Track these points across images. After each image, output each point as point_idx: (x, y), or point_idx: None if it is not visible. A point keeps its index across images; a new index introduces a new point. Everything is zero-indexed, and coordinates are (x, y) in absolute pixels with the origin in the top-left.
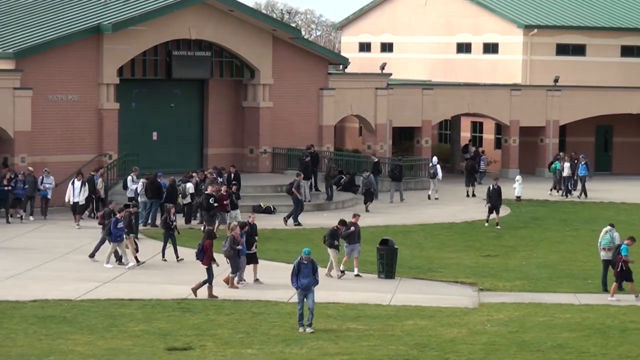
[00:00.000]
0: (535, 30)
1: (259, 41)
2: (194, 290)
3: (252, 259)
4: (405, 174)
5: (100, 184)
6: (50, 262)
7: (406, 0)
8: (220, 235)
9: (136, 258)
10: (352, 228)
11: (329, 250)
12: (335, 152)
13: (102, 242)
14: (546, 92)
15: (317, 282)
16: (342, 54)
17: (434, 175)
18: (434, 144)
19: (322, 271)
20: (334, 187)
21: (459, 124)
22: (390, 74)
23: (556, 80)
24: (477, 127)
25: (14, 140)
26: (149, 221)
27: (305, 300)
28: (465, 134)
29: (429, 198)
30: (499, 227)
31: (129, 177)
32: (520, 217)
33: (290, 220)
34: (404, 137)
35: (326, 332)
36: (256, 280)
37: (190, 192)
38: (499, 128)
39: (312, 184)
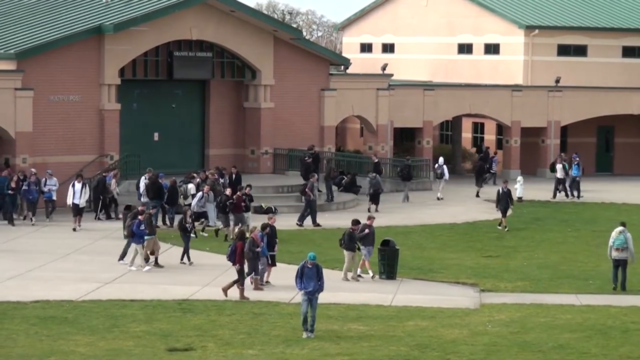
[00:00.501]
0: (537, 31)
1: (260, 42)
2: (225, 290)
3: (272, 261)
4: (413, 175)
5: (113, 184)
6: (52, 263)
7: (407, 0)
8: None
9: (156, 259)
10: (367, 230)
11: (345, 253)
12: (337, 152)
13: (129, 244)
14: (547, 92)
15: (321, 289)
16: (344, 54)
17: (441, 175)
18: (435, 144)
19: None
20: (335, 187)
21: (460, 124)
22: (392, 75)
23: (557, 81)
24: (478, 128)
25: (15, 141)
26: None
27: (309, 305)
28: (467, 135)
29: (438, 199)
30: (506, 229)
31: (142, 178)
32: (522, 218)
33: (309, 221)
34: (405, 137)
35: (327, 332)
36: (267, 282)
37: (192, 192)
38: (500, 129)
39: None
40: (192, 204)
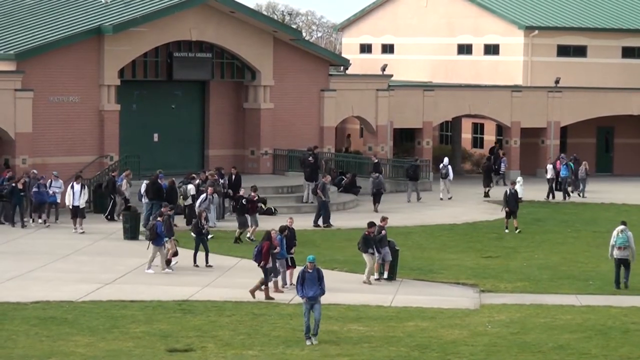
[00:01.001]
0: (536, 32)
1: (259, 42)
2: (252, 292)
3: (290, 263)
4: (421, 175)
5: (125, 185)
6: (52, 264)
7: (407, 1)
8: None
9: (168, 261)
10: (383, 232)
11: (365, 257)
12: (336, 153)
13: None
14: (547, 93)
15: (323, 292)
16: (343, 55)
17: (446, 175)
18: (434, 145)
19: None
20: (335, 188)
21: (460, 125)
22: (391, 75)
23: (557, 82)
24: (478, 129)
25: (15, 142)
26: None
27: (311, 311)
28: (467, 136)
29: (445, 199)
30: (517, 230)
31: (190, 186)
32: (521, 219)
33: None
34: (405, 138)
35: (327, 333)
36: (291, 284)
37: (192, 193)
38: (500, 129)
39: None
40: (196, 205)
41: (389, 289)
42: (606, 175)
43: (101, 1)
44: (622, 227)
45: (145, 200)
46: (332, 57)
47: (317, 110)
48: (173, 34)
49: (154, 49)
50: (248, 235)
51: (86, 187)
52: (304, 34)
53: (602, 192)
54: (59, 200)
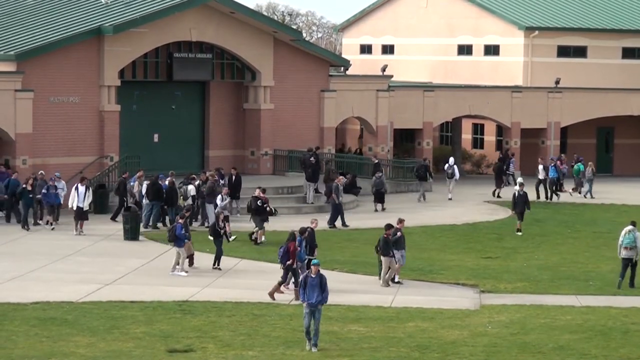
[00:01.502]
0: (536, 32)
1: (260, 43)
2: (271, 294)
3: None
4: (431, 175)
5: (137, 187)
6: (52, 264)
7: (407, 2)
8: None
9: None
10: (399, 233)
11: (383, 259)
12: (337, 154)
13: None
14: (547, 93)
15: (325, 300)
16: (343, 55)
17: (452, 175)
18: (435, 145)
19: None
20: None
21: (460, 125)
22: (391, 76)
23: (557, 82)
24: (478, 129)
25: (15, 142)
26: (150, 223)
27: (312, 316)
28: (467, 136)
29: (450, 198)
30: (520, 233)
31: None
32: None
33: (339, 223)
34: (405, 138)
35: (327, 334)
36: None
37: (192, 194)
38: (500, 130)
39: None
40: (217, 209)
41: (389, 289)
42: (606, 176)
43: (101, 2)
44: (630, 227)
45: (145, 201)
46: (332, 57)
47: (317, 110)
48: (173, 34)
49: (154, 49)
50: (254, 236)
51: (90, 189)
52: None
53: (602, 192)
54: (61, 201)
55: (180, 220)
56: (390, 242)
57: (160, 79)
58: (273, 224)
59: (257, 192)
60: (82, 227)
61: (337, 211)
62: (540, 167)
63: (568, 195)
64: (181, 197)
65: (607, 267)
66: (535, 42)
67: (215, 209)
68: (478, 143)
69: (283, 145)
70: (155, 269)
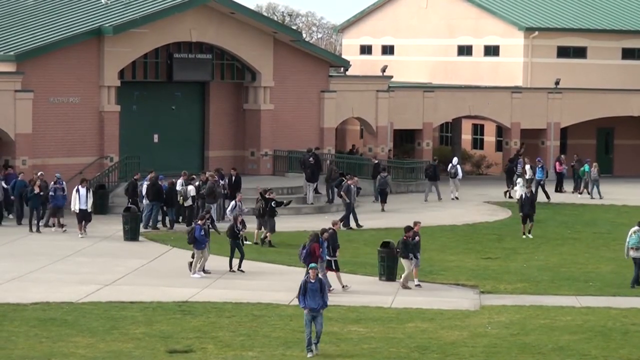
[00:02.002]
0: (536, 33)
1: (260, 43)
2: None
3: (336, 267)
4: (438, 174)
5: (193, 191)
6: (52, 265)
7: (407, 2)
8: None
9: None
10: (417, 237)
11: (403, 262)
12: (337, 154)
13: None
14: (547, 94)
15: (325, 305)
16: (343, 56)
17: (455, 175)
18: (434, 146)
19: (330, 275)
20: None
21: (460, 126)
22: (391, 77)
23: (557, 83)
24: (478, 130)
25: (15, 143)
26: (150, 224)
27: (313, 322)
28: (467, 137)
29: (453, 199)
30: (530, 235)
31: (179, 181)
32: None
33: (353, 223)
34: (405, 139)
35: (327, 334)
36: (344, 286)
37: (192, 194)
38: (500, 130)
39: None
40: (227, 213)
41: (389, 290)
42: (606, 177)
43: (101, 2)
44: (636, 227)
45: (145, 201)
46: (332, 58)
47: (317, 111)
48: (173, 35)
49: (154, 50)
50: (262, 236)
51: (91, 190)
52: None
53: (602, 193)
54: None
55: (199, 222)
56: (410, 244)
57: (160, 80)
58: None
59: (272, 194)
60: (85, 228)
61: (348, 210)
62: (527, 167)
63: (569, 195)
64: (181, 198)
65: (607, 268)
66: (535, 43)
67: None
68: (478, 144)
69: (283, 146)
70: (155, 270)
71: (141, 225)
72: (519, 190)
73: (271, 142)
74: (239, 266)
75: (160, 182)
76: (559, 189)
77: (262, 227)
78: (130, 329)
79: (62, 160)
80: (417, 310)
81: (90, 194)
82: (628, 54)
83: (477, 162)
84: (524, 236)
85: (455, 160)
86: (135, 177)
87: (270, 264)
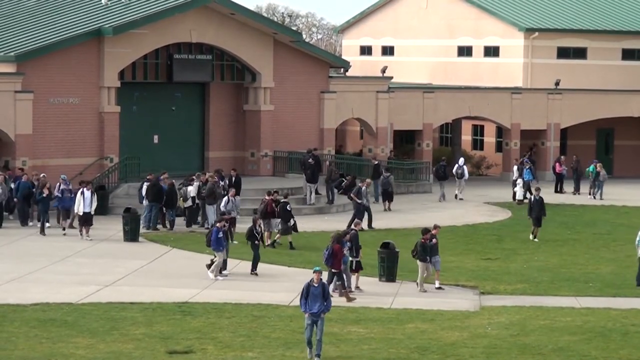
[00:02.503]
0: (536, 34)
1: (260, 44)
2: (348, 297)
3: (357, 267)
4: (448, 175)
5: (192, 192)
6: (52, 266)
7: (407, 3)
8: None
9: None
10: (434, 240)
11: (419, 264)
12: (337, 155)
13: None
14: (547, 95)
15: (327, 309)
16: (343, 57)
17: (461, 175)
18: (434, 147)
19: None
20: (335, 190)
21: (460, 127)
22: (391, 77)
23: (557, 83)
24: (478, 130)
25: (15, 144)
26: (150, 224)
27: (314, 326)
28: (467, 137)
29: (456, 197)
30: (536, 239)
31: (195, 184)
32: (522, 221)
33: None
34: (405, 140)
35: (327, 335)
36: (357, 287)
37: (192, 195)
38: (500, 131)
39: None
40: (221, 206)
41: (389, 290)
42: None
43: (101, 3)
44: None
45: (145, 202)
46: (332, 59)
47: (317, 112)
48: (173, 35)
49: (154, 50)
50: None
51: (95, 193)
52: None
53: (603, 194)
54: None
55: (217, 225)
56: (428, 247)
57: (160, 80)
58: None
59: (287, 198)
60: (87, 231)
61: (359, 213)
62: (515, 168)
63: (569, 196)
64: (181, 199)
65: (607, 269)
66: (535, 44)
67: (215, 210)
68: (478, 144)
69: (283, 147)
70: (155, 271)
71: (141, 226)
72: (518, 192)
73: (271, 142)
74: (253, 269)
75: (160, 183)
76: (559, 189)
77: (268, 229)
78: (130, 329)
79: (62, 161)
80: (417, 311)
81: (95, 197)
82: (628, 54)
83: (477, 163)
84: (534, 240)
85: (461, 161)
86: (148, 177)
87: (270, 264)
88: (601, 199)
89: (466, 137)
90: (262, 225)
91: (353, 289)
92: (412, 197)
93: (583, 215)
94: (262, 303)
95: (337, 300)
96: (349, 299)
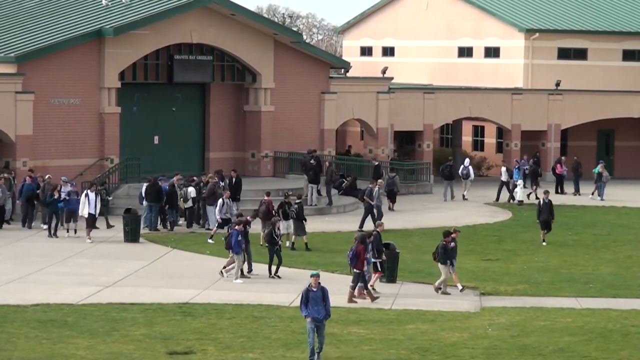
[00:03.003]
0: (537, 34)
1: (260, 45)
2: (353, 299)
3: (379, 268)
4: (455, 174)
5: (193, 193)
6: (52, 266)
7: (407, 4)
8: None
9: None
10: (452, 243)
11: (441, 267)
12: (337, 155)
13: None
14: (547, 96)
15: (328, 314)
16: (344, 58)
17: (467, 176)
18: (435, 148)
19: (331, 276)
20: (336, 191)
21: (460, 127)
22: (392, 78)
23: (557, 84)
24: (478, 131)
25: (15, 144)
26: (151, 225)
27: (315, 331)
28: (467, 138)
29: (464, 198)
30: (544, 243)
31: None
32: (522, 221)
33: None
34: (406, 141)
35: (327, 336)
36: (374, 288)
37: (192, 196)
38: (501, 132)
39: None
40: (215, 211)
41: (389, 291)
42: None
43: (102, 3)
44: None
45: (144, 202)
46: (333, 59)
47: (318, 112)
48: (174, 36)
49: (155, 51)
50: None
51: (99, 195)
52: (304, 37)
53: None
54: (63, 206)
55: (236, 227)
56: (449, 249)
57: (161, 81)
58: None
59: (295, 200)
60: (88, 234)
61: (370, 213)
62: (503, 169)
63: (570, 196)
64: (181, 199)
65: (607, 270)
66: (535, 44)
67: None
68: (478, 145)
69: (283, 147)
70: (156, 271)
71: (141, 226)
72: (519, 193)
73: (271, 143)
74: (276, 272)
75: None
76: (559, 190)
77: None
78: (131, 330)
79: (62, 162)
80: (418, 311)
81: (99, 199)
82: (628, 55)
83: (478, 163)
84: (543, 243)
85: (467, 161)
86: (160, 178)
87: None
88: (602, 199)
89: (466, 138)
90: (280, 228)
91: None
92: (412, 198)
93: (583, 216)
94: (263, 304)
95: (337, 300)
96: (372, 299)
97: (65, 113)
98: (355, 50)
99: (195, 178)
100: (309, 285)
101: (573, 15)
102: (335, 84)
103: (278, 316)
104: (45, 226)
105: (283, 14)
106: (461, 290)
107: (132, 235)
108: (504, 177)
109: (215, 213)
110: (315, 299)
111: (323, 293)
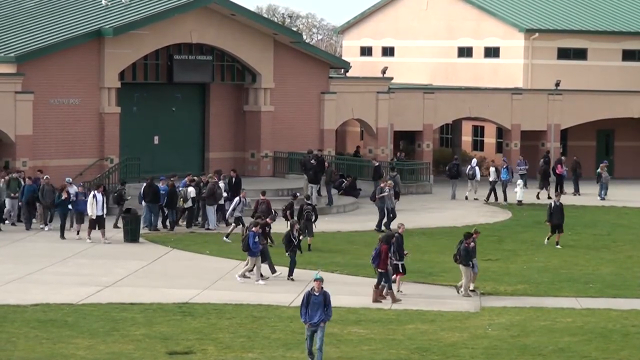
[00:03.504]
0: (537, 34)
1: (260, 45)
2: (377, 299)
3: (399, 270)
4: (461, 173)
5: (193, 193)
6: (52, 266)
7: (407, 4)
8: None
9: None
10: (472, 244)
11: (463, 269)
12: (337, 155)
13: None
14: (547, 96)
15: (328, 318)
16: (344, 58)
17: (473, 176)
18: (435, 148)
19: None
20: (336, 191)
21: (460, 128)
22: (392, 78)
23: (557, 84)
24: (478, 131)
25: (15, 144)
26: (150, 225)
27: (313, 335)
28: (467, 138)
29: (467, 199)
30: (558, 246)
31: (221, 183)
32: (522, 221)
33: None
34: (406, 140)
35: (327, 336)
36: (399, 291)
37: (192, 196)
38: (500, 132)
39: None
40: (229, 211)
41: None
42: None
43: (102, 3)
44: None
45: (143, 203)
46: (333, 59)
47: (318, 112)
48: (173, 36)
49: (155, 51)
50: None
51: (105, 196)
52: (304, 37)
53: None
54: (70, 207)
55: (253, 229)
56: (471, 251)
57: (161, 81)
58: (276, 227)
59: (307, 200)
60: (89, 234)
61: (384, 215)
62: (492, 169)
63: (570, 197)
64: (181, 200)
65: (607, 270)
66: (535, 44)
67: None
68: (478, 145)
69: (283, 148)
70: (156, 271)
71: (141, 226)
72: (519, 192)
73: (271, 143)
74: (290, 274)
75: (160, 183)
76: (559, 191)
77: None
78: (131, 330)
79: (62, 162)
80: (417, 311)
81: (105, 200)
82: (628, 55)
83: (478, 163)
84: (557, 246)
85: (474, 161)
86: (172, 179)
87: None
88: (602, 199)
89: (466, 138)
90: (299, 230)
91: (400, 291)
92: (412, 198)
93: (583, 216)
94: (263, 304)
95: (337, 301)
96: (394, 300)
97: (65, 113)
98: (355, 50)
99: (195, 178)
100: (311, 289)
101: (573, 15)
102: (335, 84)
103: (278, 316)
104: (46, 227)
105: (283, 14)
106: (471, 291)
107: (132, 235)
108: (492, 177)
109: (213, 212)
110: (316, 304)
111: (325, 298)
